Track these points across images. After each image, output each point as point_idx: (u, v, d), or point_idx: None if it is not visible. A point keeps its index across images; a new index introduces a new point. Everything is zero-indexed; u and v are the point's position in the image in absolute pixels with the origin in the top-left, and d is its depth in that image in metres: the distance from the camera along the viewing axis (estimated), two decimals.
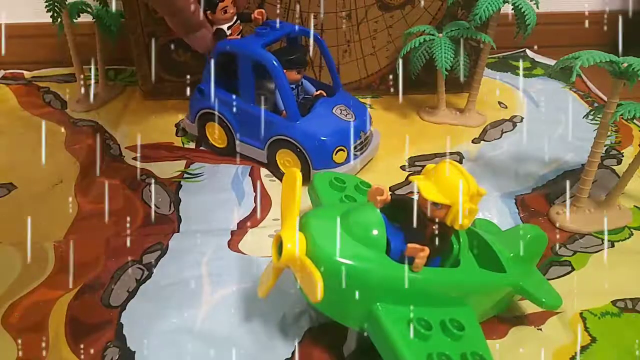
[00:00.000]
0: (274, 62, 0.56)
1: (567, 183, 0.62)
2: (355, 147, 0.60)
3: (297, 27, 0.62)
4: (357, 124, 0.60)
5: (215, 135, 0.65)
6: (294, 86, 0.61)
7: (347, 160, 0.60)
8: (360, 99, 0.79)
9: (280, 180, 0.61)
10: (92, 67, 0.79)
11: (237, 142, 0.63)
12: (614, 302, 0.48)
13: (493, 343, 0.44)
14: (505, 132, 0.73)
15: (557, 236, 0.55)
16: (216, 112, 0.63)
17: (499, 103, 0.80)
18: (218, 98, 0.62)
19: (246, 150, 0.64)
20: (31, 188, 0.60)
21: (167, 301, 0.47)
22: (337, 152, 0.59)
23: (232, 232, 0.54)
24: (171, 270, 0.50)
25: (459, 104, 0.78)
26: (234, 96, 0.61)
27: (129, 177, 0.62)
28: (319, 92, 0.63)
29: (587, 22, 0.87)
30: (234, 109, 0.62)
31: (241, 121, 0.62)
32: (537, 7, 0.67)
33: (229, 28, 0.62)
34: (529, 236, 0.46)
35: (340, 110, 0.60)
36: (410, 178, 0.45)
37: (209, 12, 0.60)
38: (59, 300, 0.47)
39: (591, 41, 0.78)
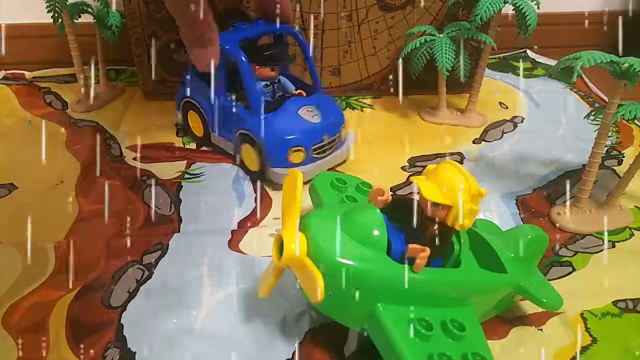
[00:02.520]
0: (243, 58, 0.56)
1: (568, 183, 0.62)
2: (315, 150, 0.59)
3: (280, 26, 0.61)
4: (321, 126, 0.59)
5: (194, 124, 0.66)
6: (268, 83, 0.61)
7: (305, 161, 0.59)
8: (361, 100, 0.80)
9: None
10: (93, 67, 0.79)
11: (211, 133, 0.64)
12: (614, 303, 0.48)
13: (494, 343, 0.44)
14: (506, 132, 0.73)
15: (558, 236, 0.55)
16: (194, 102, 0.64)
17: (500, 103, 0.80)
18: (197, 88, 0.63)
19: (219, 142, 0.65)
20: (32, 188, 0.60)
21: (167, 301, 0.47)
22: (293, 152, 0.57)
23: (233, 232, 0.54)
24: (171, 271, 0.50)
25: (459, 104, 0.78)
26: (211, 88, 0.61)
27: (129, 178, 0.62)
28: (298, 91, 0.62)
29: (587, 22, 0.87)
30: (210, 100, 0.62)
31: (215, 113, 0.62)
32: (538, 8, 0.67)
33: None
34: (529, 236, 0.46)
35: (307, 110, 0.59)
36: (411, 178, 0.45)
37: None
38: (59, 301, 0.47)
39: (592, 41, 0.78)
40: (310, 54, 0.62)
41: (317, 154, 0.59)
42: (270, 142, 0.57)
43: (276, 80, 0.62)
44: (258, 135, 0.58)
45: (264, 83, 0.61)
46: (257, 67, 0.59)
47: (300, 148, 0.58)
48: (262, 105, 0.58)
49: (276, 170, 0.58)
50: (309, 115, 0.59)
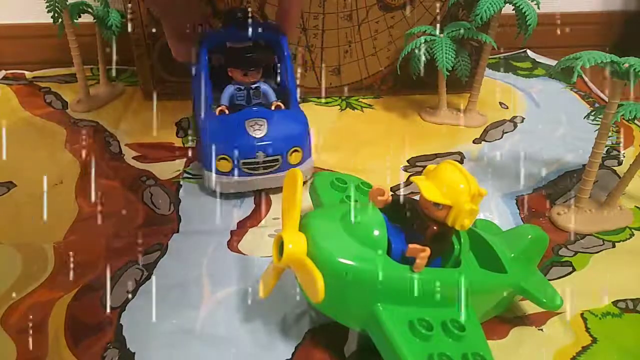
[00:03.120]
0: (201, 60, 0.57)
1: (568, 183, 0.62)
2: (247, 164, 0.56)
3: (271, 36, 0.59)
4: (258, 142, 0.55)
5: None
6: (241, 87, 0.59)
7: (231, 172, 0.56)
8: (362, 100, 0.80)
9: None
10: (93, 67, 0.79)
11: None
12: (614, 303, 0.48)
13: (494, 343, 0.43)
14: (506, 132, 0.73)
15: (558, 237, 0.55)
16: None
17: (500, 103, 0.80)
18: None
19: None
20: (31, 188, 0.60)
21: (167, 302, 0.47)
22: (219, 159, 0.56)
23: (232, 232, 0.54)
24: (171, 271, 0.50)
25: (459, 104, 0.77)
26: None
27: (129, 177, 0.62)
28: (276, 103, 0.59)
29: (587, 22, 0.87)
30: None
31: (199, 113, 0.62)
32: (538, 8, 0.67)
33: None
34: (529, 237, 0.46)
35: (255, 124, 0.56)
36: (411, 178, 0.45)
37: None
38: (58, 301, 0.46)
39: (592, 41, 0.78)
40: (292, 74, 0.60)
41: (248, 169, 0.56)
42: (203, 145, 0.57)
43: (252, 87, 0.59)
44: (197, 136, 0.58)
45: (236, 87, 0.59)
46: (231, 68, 0.58)
47: (225, 157, 0.56)
48: (207, 106, 0.57)
49: (207, 173, 0.57)
50: (253, 129, 0.56)
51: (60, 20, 0.70)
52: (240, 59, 0.58)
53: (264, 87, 0.60)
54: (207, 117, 0.57)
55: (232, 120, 0.57)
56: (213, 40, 0.59)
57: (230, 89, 0.59)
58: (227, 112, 0.57)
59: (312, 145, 0.60)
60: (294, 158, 0.57)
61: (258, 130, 0.56)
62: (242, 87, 0.59)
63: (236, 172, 0.56)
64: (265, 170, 0.57)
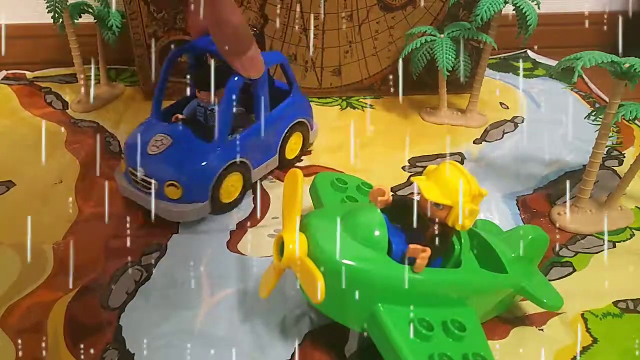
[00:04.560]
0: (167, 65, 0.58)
1: (568, 184, 0.62)
2: (132, 173, 0.54)
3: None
4: (145, 158, 0.53)
5: None
6: (201, 105, 0.57)
7: (125, 174, 0.56)
8: (362, 100, 0.80)
9: None
10: (93, 67, 0.79)
11: None
12: (615, 303, 0.48)
13: (494, 343, 0.43)
14: (507, 132, 0.73)
15: (558, 237, 0.55)
16: None
17: (500, 103, 0.80)
18: None
19: None
20: (31, 188, 0.60)
21: (166, 302, 0.47)
22: (122, 159, 0.57)
23: (232, 233, 0.54)
24: (170, 272, 0.50)
25: (460, 104, 0.77)
26: None
27: None
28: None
29: (587, 22, 0.87)
30: None
31: None
32: (539, 8, 0.66)
33: None
34: (530, 237, 0.45)
35: (161, 140, 0.54)
36: (412, 179, 0.45)
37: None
38: (58, 302, 0.46)
39: (592, 42, 0.78)
40: (260, 108, 0.57)
41: (133, 179, 0.54)
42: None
43: (209, 108, 0.57)
44: None
45: (198, 103, 0.58)
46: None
47: (123, 158, 0.57)
48: (155, 109, 0.57)
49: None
50: (155, 144, 0.54)
51: (60, 20, 0.70)
52: (199, 75, 0.56)
53: (218, 111, 0.55)
54: (148, 119, 0.57)
55: (151, 129, 0.55)
56: (190, 48, 0.57)
57: (193, 103, 0.58)
58: (179, 121, 0.56)
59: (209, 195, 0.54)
60: (171, 192, 0.53)
61: (155, 147, 0.53)
62: (201, 105, 0.57)
63: (126, 176, 0.56)
64: (142, 188, 0.54)
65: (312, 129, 0.66)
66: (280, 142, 0.61)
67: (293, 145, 0.64)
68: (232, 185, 0.56)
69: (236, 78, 0.53)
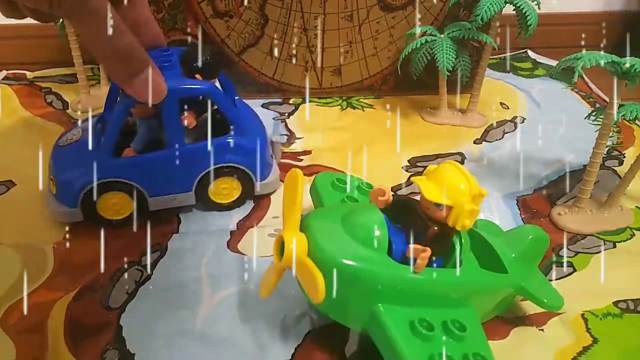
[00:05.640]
0: None
1: (569, 184, 0.62)
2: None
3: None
4: (55, 153, 0.54)
5: None
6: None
7: None
8: (362, 100, 0.80)
9: None
10: (94, 67, 0.79)
11: None
12: (615, 303, 0.48)
13: (494, 344, 0.43)
14: (507, 132, 0.73)
15: (559, 237, 0.55)
16: None
17: (501, 104, 0.80)
18: None
19: None
20: (31, 188, 0.59)
21: (166, 303, 0.47)
22: None
23: (232, 233, 0.54)
24: (170, 272, 0.50)
25: (460, 104, 0.77)
26: None
27: None
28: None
29: (587, 22, 0.87)
30: None
31: None
32: (539, 8, 0.66)
33: None
34: (530, 237, 0.45)
35: (75, 134, 0.54)
36: (412, 179, 0.45)
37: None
38: (58, 302, 0.46)
39: (592, 42, 0.78)
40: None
41: None
42: None
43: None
44: None
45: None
46: None
47: None
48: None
49: None
50: (71, 135, 0.55)
51: (61, 20, 0.70)
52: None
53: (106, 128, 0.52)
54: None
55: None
56: None
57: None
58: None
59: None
60: (51, 185, 0.53)
61: (66, 139, 0.55)
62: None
63: None
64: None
65: (259, 180, 0.56)
66: (196, 182, 0.54)
67: (223, 190, 0.55)
68: (116, 203, 0.52)
69: (125, 99, 0.49)
